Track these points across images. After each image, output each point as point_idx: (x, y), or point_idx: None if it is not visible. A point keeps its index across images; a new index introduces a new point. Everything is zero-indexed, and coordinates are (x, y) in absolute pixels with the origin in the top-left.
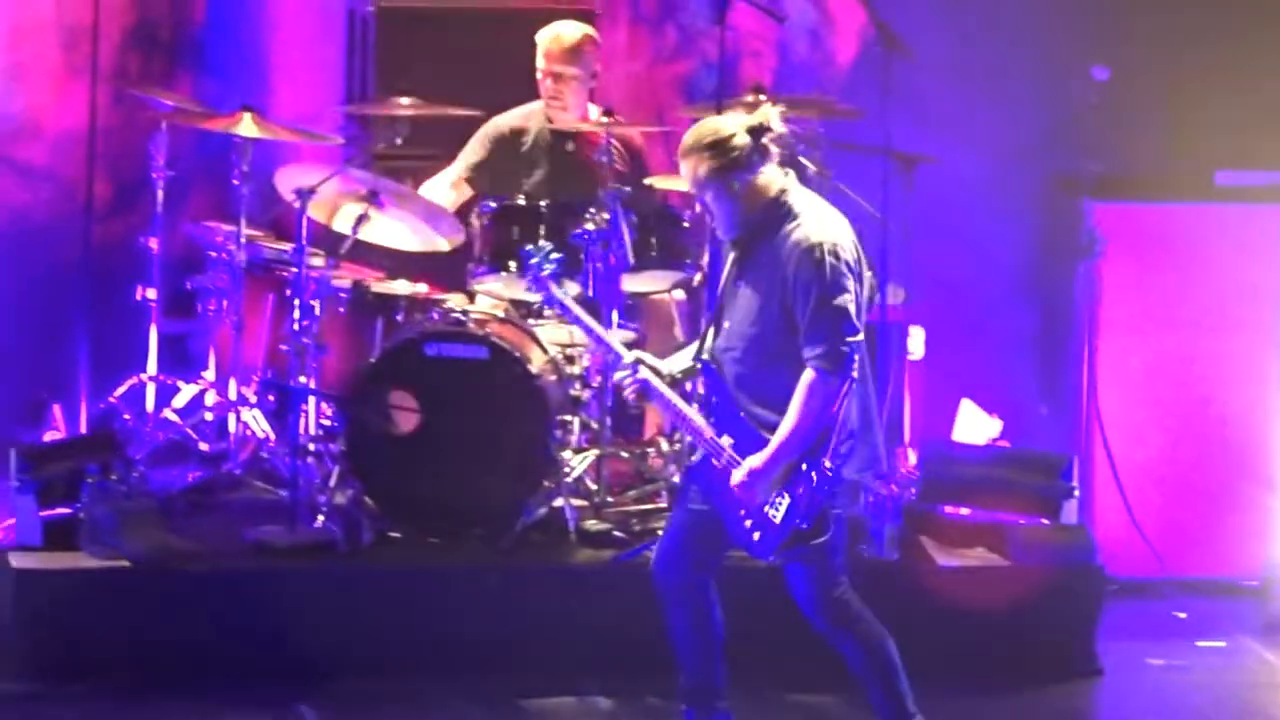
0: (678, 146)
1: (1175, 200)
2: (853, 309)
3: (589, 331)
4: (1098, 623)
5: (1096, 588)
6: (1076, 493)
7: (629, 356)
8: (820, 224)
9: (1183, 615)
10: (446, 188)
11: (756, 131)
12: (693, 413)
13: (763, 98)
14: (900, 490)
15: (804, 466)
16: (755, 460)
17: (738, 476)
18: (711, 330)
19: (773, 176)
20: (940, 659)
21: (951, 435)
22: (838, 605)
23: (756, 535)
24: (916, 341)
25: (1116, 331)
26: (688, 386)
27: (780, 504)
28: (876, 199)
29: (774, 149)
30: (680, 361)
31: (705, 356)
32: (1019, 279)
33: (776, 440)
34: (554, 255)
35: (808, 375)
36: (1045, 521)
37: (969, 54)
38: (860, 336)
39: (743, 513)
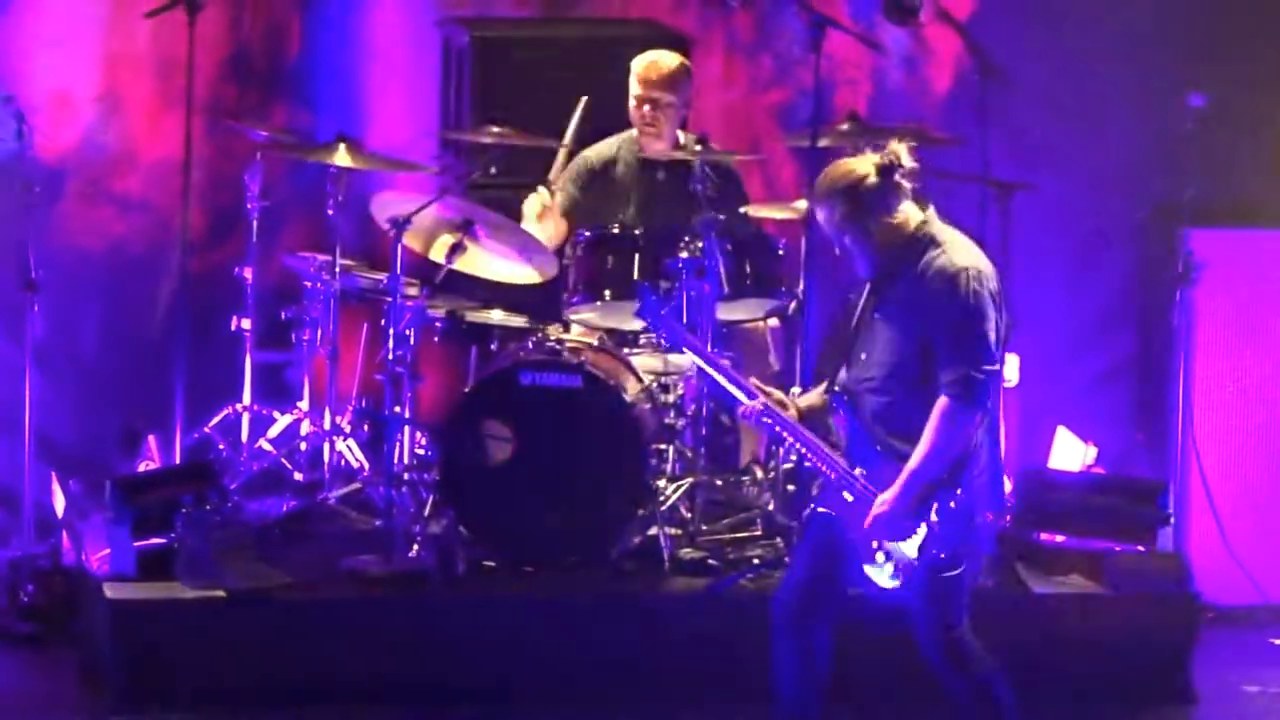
0: (773, 174)
1: (1272, 226)
2: (992, 338)
3: (720, 372)
4: (1193, 649)
5: (1192, 615)
6: (1172, 519)
7: (757, 401)
8: (965, 252)
9: (1278, 642)
10: (550, 227)
11: (888, 170)
12: (826, 445)
13: (851, 126)
14: (996, 517)
15: (940, 497)
16: (889, 492)
17: (875, 508)
18: (845, 363)
19: (910, 212)
20: (1035, 686)
21: (1047, 462)
22: (957, 644)
23: (890, 567)
24: (1012, 369)
25: (1212, 357)
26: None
27: (916, 535)
28: (973, 226)
29: (906, 184)
30: (808, 400)
31: (837, 389)
32: (1115, 306)
33: (909, 469)
34: (672, 294)
35: (942, 403)
36: (1141, 548)
37: (1065, 81)
38: (998, 367)
39: (876, 544)
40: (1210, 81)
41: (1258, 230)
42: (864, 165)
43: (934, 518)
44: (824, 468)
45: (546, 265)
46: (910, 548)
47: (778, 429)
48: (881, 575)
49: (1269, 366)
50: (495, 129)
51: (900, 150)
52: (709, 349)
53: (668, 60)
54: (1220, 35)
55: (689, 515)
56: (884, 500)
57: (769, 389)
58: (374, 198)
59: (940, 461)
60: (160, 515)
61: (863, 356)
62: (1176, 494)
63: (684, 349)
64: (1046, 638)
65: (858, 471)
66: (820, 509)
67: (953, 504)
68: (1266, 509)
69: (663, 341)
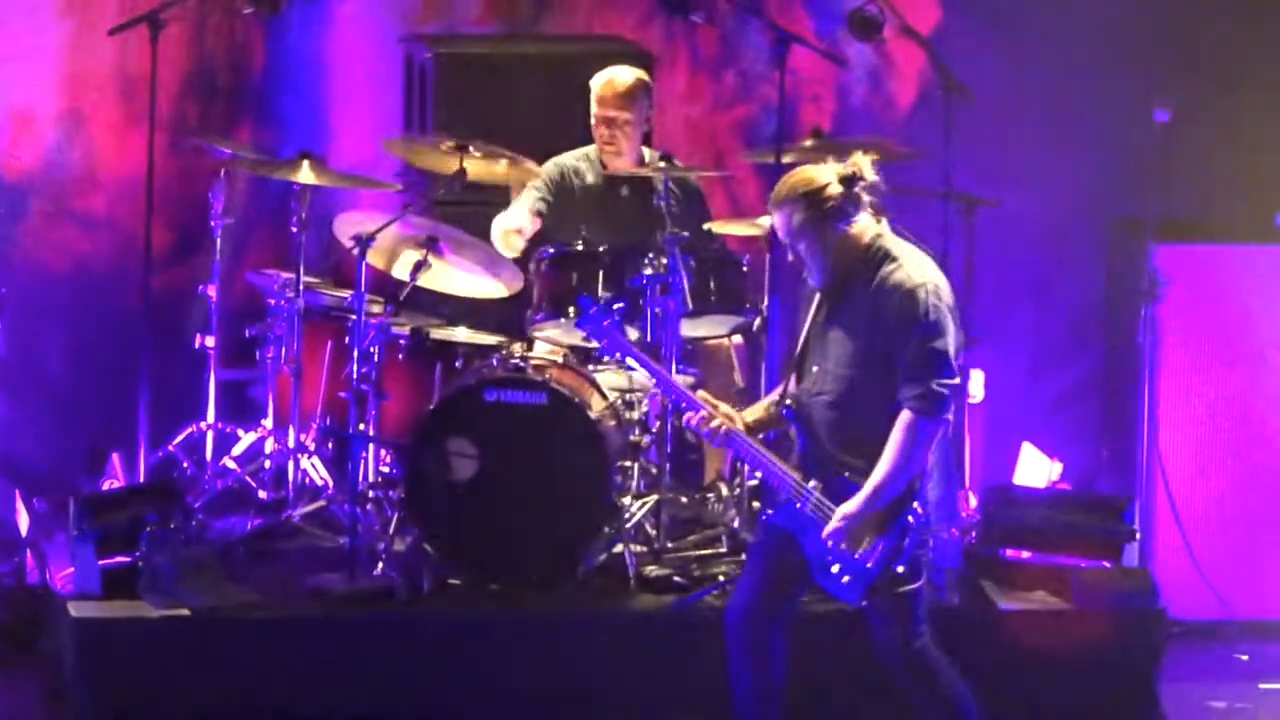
0: (737, 190)
1: (1236, 242)
2: (952, 352)
3: (659, 376)
4: (1159, 665)
5: (1158, 630)
6: (1138, 535)
7: (717, 417)
8: (920, 267)
9: (1245, 657)
10: (525, 213)
11: (849, 180)
12: (776, 458)
13: (815, 142)
14: (961, 533)
15: (899, 510)
16: (850, 505)
17: (833, 522)
18: (794, 376)
19: (866, 225)
20: (1002, 703)
21: (1012, 478)
22: (917, 655)
23: (846, 579)
24: (976, 385)
25: (1178, 373)
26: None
27: (874, 549)
28: (937, 242)
29: (866, 197)
30: (755, 412)
31: (789, 402)
32: (1079, 321)
33: (872, 483)
34: (615, 305)
35: (905, 417)
36: (1107, 564)
37: (1030, 97)
38: (958, 380)
39: (830, 558)
40: (1175, 97)
41: (1223, 246)
42: (826, 174)
43: (890, 532)
44: (773, 480)
45: (511, 280)
46: (866, 559)
47: (724, 441)
48: (837, 589)
49: (1234, 382)
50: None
51: (863, 163)
52: (656, 362)
53: (623, 77)
54: (1186, 51)
55: (654, 532)
56: (844, 513)
57: (716, 402)
58: (338, 216)
59: (903, 475)
60: (125, 534)
61: (814, 369)
62: (1142, 509)
63: (625, 358)
64: (1012, 654)
65: (811, 484)
66: (776, 519)
67: (910, 518)
68: (1232, 524)
69: (609, 354)
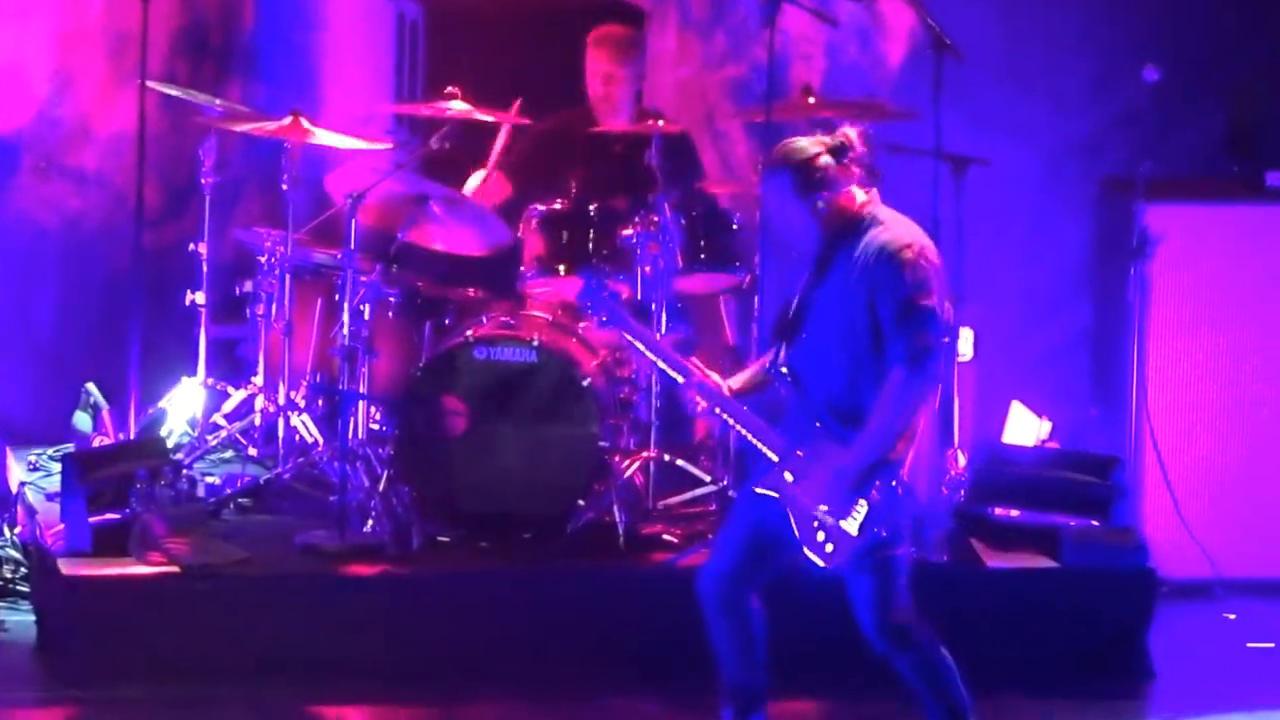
0: (727, 149)
1: (1227, 201)
2: (939, 309)
3: (655, 349)
4: (1148, 624)
5: (1147, 589)
6: (1127, 494)
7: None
8: (907, 229)
9: (1233, 616)
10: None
11: (839, 151)
12: (764, 425)
13: (812, 100)
14: (950, 492)
15: (882, 474)
16: (839, 460)
17: (829, 474)
18: (785, 343)
19: (855, 194)
20: (990, 661)
21: (1001, 437)
22: (899, 625)
23: (830, 546)
24: (965, 343)
25: (1167, 333)
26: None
27: (858, 512)
28: (927, 200)
29: (855, 169)
30: (741, 380)
31: (781, 369)
32: (1069, 280)
33: (862, 439)
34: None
35: (895, 375)
36: (1095, 523)
37: (1020, 56)
38: (947, 339)
39: (816, 524)
40: (1164, 57)
41: (1212, 205)
42: (816, 145)
43: (875, 495)
44: (764, 449)
45: (501, 237)
46: (851, 525)
47: (717, 410)
48: (822, 556)
49: (1223, 341)
50: (449, 103)
51: (852, 134)
52: (654, 333)
53: (620, 34)
54: (1174, 10)
55: (644, 490)
56: (832, 469)
57: (708, 371)
58: (328, 173)
59: (891, 434)
60: (115, 490)
61: (804, 336)
62: (1131, 468)
63: (625, 333)
64: (1001, 613)
65: (799, 452)
66: (759, 490)
67: (894, 481)
68: (1221, 483)
69: (609, 327)
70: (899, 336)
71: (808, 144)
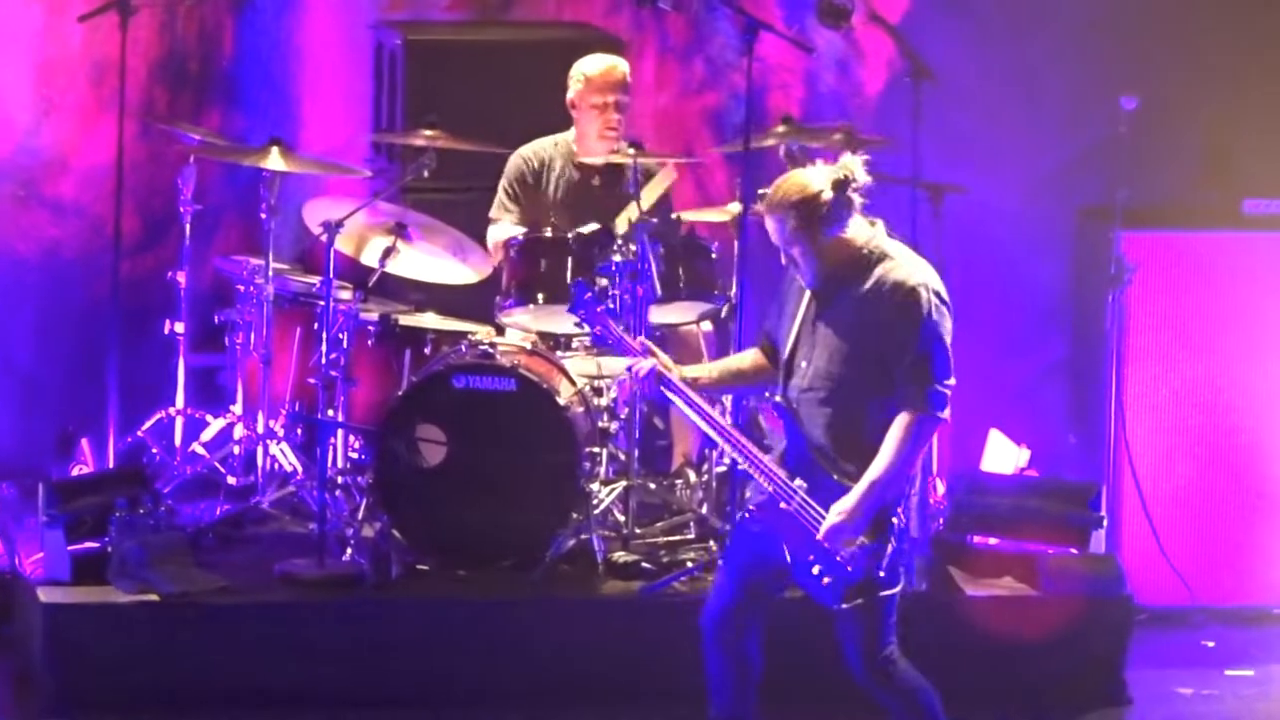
0: (705, 177)
1: (1203, 229)
2: (951, 352)
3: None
4: (1126, 652)
5: (1125, 617)
6: (1105, 521)
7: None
8: (919, 267)
9: (1211, 644)
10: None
11: (841, 184)
12: (766, 456)
13: (784, 129)
14: (928, 520)
15: (885, 513)
16: (847, 501)
17: (830, 518)
18: (784, 373)
19: (860, 227)
20: (969, 689)
21: (980, 465)
22: (884, 663)
23: (826, 581)
24: None
25: (1145, 360)
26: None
27: (858, 552)
28: (905, 229)
29: (858, 200)
30: (699, 370)
31: (778, 399)
32: (1047, 308)
33: (869, 479)
34: (607, 291)
35: (905, 417)
36: (1074, 551)
37: (998, 84)
38: (954, 380)
39: (813, 558)
40: (1142, 85)
41: (1189, 232)
42: (818, 180)
43: (876, 535)
44: (763, 479)
45: (480, 265)
46: (850, 563)
47: (719, 437)
48: (817, 590)
49: (1201, 368)
50: (428, 132)
51: (854, 165)
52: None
53: (621, 63)
54: (1152, 39)
55: (622, 518)
56: (841, 509)
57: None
58: (307, 202)
59: (901, 474)
60: (94, 519)
61: (803, 365)
62: (1109, 496)
63: (618, 349)
64: (980, 641)
65: (796, 483)
66: (754, 519)
67: (894, 520)
68: (1199, 511)
69: (601, 342)
70: (911, 381)
71: (809, 179)
